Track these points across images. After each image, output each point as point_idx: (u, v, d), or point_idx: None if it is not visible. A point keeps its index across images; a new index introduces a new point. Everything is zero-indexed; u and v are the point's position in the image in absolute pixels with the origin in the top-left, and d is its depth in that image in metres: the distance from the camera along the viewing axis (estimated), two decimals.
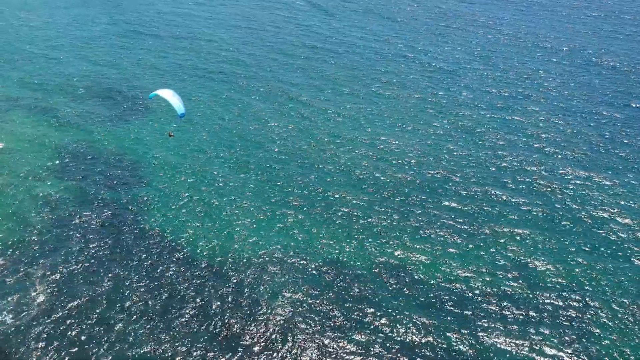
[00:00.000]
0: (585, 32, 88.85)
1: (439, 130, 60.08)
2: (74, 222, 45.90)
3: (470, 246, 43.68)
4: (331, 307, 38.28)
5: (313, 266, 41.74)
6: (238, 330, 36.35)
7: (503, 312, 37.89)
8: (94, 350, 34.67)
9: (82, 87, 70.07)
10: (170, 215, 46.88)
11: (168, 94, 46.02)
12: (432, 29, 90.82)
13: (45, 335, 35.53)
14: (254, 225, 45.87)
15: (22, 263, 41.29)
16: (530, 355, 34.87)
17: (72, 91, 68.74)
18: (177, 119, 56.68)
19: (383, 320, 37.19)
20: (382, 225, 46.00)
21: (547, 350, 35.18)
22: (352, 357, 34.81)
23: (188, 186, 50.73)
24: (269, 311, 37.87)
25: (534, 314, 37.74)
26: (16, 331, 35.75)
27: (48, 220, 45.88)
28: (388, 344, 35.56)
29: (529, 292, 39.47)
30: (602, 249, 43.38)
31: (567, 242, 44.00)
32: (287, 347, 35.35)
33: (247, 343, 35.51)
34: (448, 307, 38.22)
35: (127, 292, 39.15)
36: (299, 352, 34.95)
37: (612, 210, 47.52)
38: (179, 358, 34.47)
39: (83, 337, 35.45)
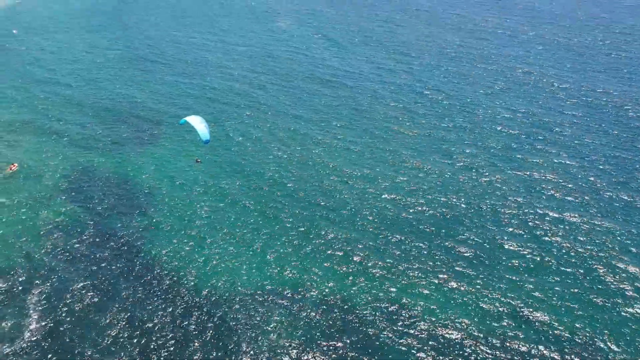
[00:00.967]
0: (605, 74, 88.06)
1: (446, 170, 59.68)
2: (71, 249, 46.32)
3: (470, 290, 42.94)
4: (323, 347, 37.77)
5: (307, 305, 41.34)
6: None
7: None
8: None
9: (94, 112, 71.52)
10: (169, 247, 47.03)
11: (196, 121, 47.43)
12: (446, 64, 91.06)
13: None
14: (250, 260, 45.80)
15: (18, 289, 41.66)
16: None
17: (84, 116, 70.20)
18: (202, 145, 58.54)
19: None
20: (381, 265, 45.56)
21: None
22: None
23: (187, 216, 50.98)
24: (252, 351, 37.48)
25: None
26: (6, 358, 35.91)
27: (47, 247, 46.38)
28: None
29: (526, 343, 38.54)
30: (603, 298, 42.28)
31: (568, 291, 42.99)
32: None
33: None
34: (443, 351, 37.45)
35: (113, 320, 39.15)
36: None
37: (620, 258, 46.44)
38: None
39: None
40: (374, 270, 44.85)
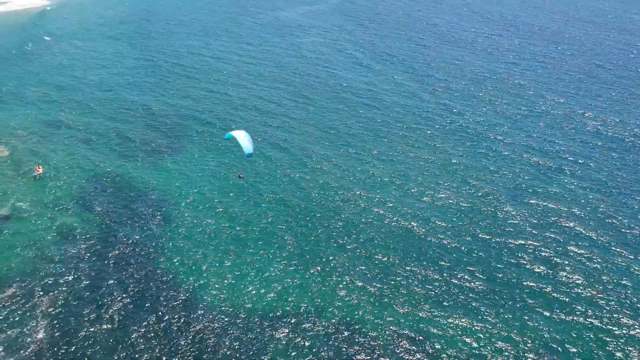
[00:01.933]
0: (630, 108, 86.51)
1: (462, 200, 58.89)
2: (86, 256, 46.67)
3: (499, 320, 42.07)
4: None
5: (323, 329, 40.80)
6: None
7: None
8: None
9: (124, 118, 72.62)
10: (186, 261, 47.10)
11: (240, 135, 49.09)
12: (471, 90, 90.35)
13: None
14: (268, 280, 45.51)
15: (33, 294, 42.02)
16: None
17: (113, 122, 71.25)
18: (245, 159, 60.40)
19: None
20: (399, 292, 44.96)
21: None
22: None
23: (208, 232, 51.04)
24: None
25: None
26: None
27: (64, 253, 46.82)
28: None
29: None
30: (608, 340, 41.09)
31: (578, 333, 41.88)
32: None
33: None
34: None
35: (127, 332, 39.16)
36: None
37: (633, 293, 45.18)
38: None
39: None
40: (380, 296, 44.26)
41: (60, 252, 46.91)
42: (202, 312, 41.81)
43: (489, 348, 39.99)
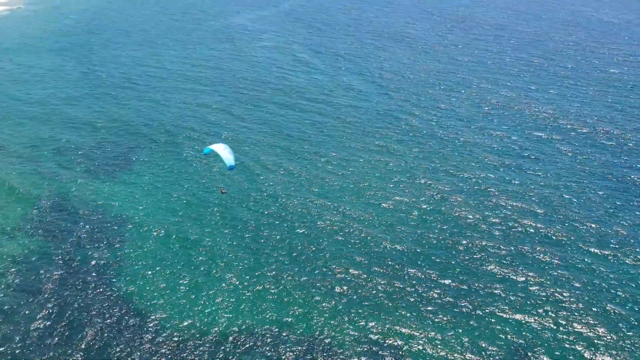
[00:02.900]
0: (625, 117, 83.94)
1: (422, 203, 57.24)
2: (34, 285, 43.16)
3: (464, 328, 40.21)
4: None
5: (281, 345, 38.23)
6: None
7: None
8: None
9: (64, 135, 68.31)
10: (137, 281, 44.06)
11: (219, 148, 47.59)
12: (424, 90, 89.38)
13: None
14: (235, 298, 42.94)
15: None
16: None
17: (52, 140, 67.01)
18: (228, 170, 55.47)
19: None
20: (375, 300, 43.14)
21: None
22: None
23: (167, 251, 47.87)
24: None
25: None
26: None
27: (9, 283, 43.15)
28: None
29: None
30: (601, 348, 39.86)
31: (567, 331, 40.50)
32: None
33: None
34: None
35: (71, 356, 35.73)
36: None
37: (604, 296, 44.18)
38: None
39: None
40: (338, 309, 41.93)
41: (6, 281, 43.22)
42: (152, 335, 38.71)
43: (452, 358, 38.16)
